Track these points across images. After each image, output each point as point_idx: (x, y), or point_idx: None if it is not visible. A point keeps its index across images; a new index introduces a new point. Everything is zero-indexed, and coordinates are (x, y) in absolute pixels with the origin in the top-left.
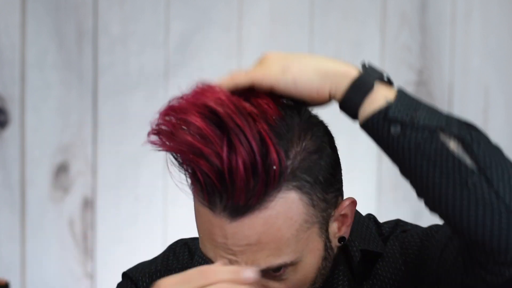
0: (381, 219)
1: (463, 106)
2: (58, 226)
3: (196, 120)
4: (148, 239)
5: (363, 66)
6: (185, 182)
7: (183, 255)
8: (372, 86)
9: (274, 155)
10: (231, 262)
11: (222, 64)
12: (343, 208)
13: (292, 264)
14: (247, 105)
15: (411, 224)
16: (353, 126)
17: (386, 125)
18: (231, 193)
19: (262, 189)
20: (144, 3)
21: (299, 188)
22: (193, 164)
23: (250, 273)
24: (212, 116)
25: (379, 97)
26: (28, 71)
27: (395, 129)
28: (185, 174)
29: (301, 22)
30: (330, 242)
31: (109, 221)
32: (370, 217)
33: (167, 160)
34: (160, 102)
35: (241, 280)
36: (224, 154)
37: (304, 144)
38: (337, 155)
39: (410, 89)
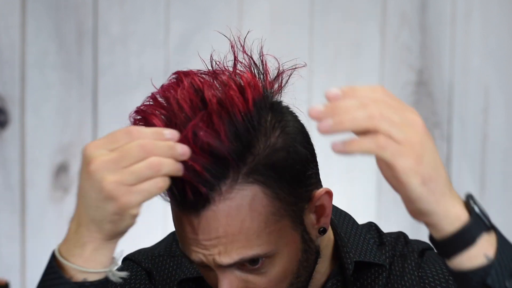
0: (381, 219)
1: (463, 106)
2: (58, 226)
3: (156, 121)
4: (148, 238)
5: (472, 210)
6: None
7: None
8: (475, 239)
9: (225, 150)
10: (205, 257)
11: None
12: (317, 199)
13: (268, 256)
14: (214, 100)
15: (416, 243)
16: None
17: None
18: (192, 189)
19: (216, 182)
20: (144, 3)
21: (262, 182)
22: None
23: (171, 131)
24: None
25: (479, 254)
26: (28, 71)
27: None
28: None
29: (301, 22)
30: (308, 234)
31: None
32: (372, 225)
33: None
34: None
35: (164, 138)
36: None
37: (271, 141)
38: (311, 152)
39: (410, 89)
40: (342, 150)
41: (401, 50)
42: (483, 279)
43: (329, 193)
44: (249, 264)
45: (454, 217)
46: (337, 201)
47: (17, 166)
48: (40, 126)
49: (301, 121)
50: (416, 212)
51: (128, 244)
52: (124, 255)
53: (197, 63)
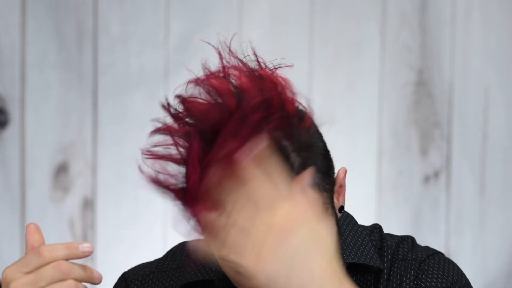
0: (381, 219)
1: (463, 106)
2: (58, 226)
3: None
4: (148, 239)
5: None
6: None
7: (180, 255)
8: None
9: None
10: None
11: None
12: (340, 181)
13: None
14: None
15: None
16: (353, 127)
17: None
18: None
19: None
20: (144, 3)
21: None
22: None
23: (87, 246)
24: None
25: None
26: (28, 71)
27: None
28: None
29: (301, 22)
30: (336, 215)
31: (109, 221)
32: (376, 227)
33: None
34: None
35: (78, 255)
36: None
37: (308, 141)
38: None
39: (410, 89)
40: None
41: (401, 50)
42: None
43: (345, 171)
44: None
45: None
46: None
47: (17, 166)
48: (40, 126)
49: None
50: None
51: (129, 245)
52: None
53: (197, 63)
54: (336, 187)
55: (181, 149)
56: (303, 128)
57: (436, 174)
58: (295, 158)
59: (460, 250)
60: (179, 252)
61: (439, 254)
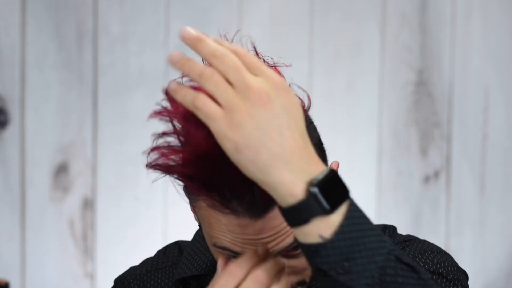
0: (381, 219)
1: (463, 106)
2: (58, 226)
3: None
4: (148, 239)
5: (309, 192)
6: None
7: (172, 252)
8: (307, 220)
9: None
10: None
11: None
12: None
13: None
14: None
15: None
16: (353, 127)
17: (314, 265)
18: (253, 195)
19: None
20: (144, 3)
21: None
22: (211, 173)
23: None
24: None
25: (313, 233)
26: (28, 71)
27: (318, 274)
28: (188, 185)
29: (301, 22)
30: None
31: (109, 221)
32: (389, 228)
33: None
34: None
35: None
36: None
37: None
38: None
39: (410, 89)
40: (172, 89)
41: (401, 50)
42: (312, 257)
43: (338, 164)
44: (292, 250)
45: (286, 193)
46: None
47: (17, 166)
48: (40, 126)
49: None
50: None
51: (129, 245)
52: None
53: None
54: None
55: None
56: None
57: (436, 174)
58: None
59: (460, 250)
60: (170, 249)
61: (419, 239)
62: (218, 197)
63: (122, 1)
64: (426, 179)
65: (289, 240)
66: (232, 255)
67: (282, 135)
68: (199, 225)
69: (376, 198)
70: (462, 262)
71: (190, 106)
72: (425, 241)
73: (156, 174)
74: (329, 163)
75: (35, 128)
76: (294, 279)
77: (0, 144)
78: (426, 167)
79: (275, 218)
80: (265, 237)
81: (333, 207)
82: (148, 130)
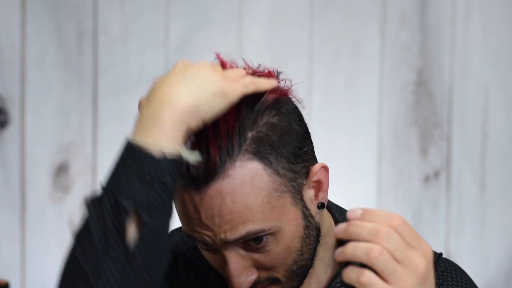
0: None
1: (463, 106)
2: (58, 226)
3: None
4: None
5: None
6: None
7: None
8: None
9: (223, 128)
10: (210, 238)
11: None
12: (314, 174)
13: (271, 233)
14: None
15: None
16: (353, 127)
17: None
18: (196, 167)
19: (216, 159)
20: (144, 3)
21: (261, 159)
22: None
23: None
24: None
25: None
26: (28, 71)
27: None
28: None
29: (301, 22)
30: (308, 210)
31: None
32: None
33: None
34: None
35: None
36: None
37: (267, 119)
38: (305, 129)
39: (410, 89)
40: (339, 257)
41: (401, 50)
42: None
43: (325, 168)
44: (254, 243)
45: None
46: (337, 202)
47: (17, 166)
48: (40, 126)
49: (295, 102)
50: None
51: None
52: None
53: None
54: (310, 180)
55: None
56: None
57: (436, 174)
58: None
59: (460, 250)
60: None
61: (445, 259)
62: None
63: (122, 1)
64: (426, 179)
65: (242, 230)
66: (205, 247)
67: None
68: None
69: (376, 198)
70: (462, 262)
71: (353, 282)
72: (453, 265)
73: None
74: (330, 163)
75: (35, 128)
76: (264, 274)
77: (0, 144)
78: (426, 167)
79: (218, 197)
80: (208, 218)
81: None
82: None
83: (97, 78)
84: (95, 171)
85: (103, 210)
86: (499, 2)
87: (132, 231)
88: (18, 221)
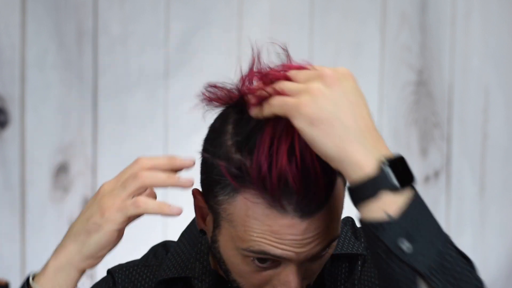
0: None
1: (463, 106)
2: (58, 226)
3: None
4: (148, 239)
5: (381, 169)
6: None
7: (161, 253)
8: (375, 194)
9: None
10: (297, 254)
11: (222, 64)
12: None
13: (335, 238)
14: None
15: None
16: None
17: (377, 242)
18: (305, 195)
19: (332, 186)
20: (144, 3)
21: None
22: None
23: (187, 181)
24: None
25: (379, 210)
26: (28, 71)
27: (381, 250)
28: (237, 177)
29: (301, 22)
30: None
31: None
32: (349, 219)
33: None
34: (160, 102)
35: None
36: (298, 157)
37: None
38: None
39: (410, 89)
40: (256, 114)
41: (401, 50)
42: (375, 233)
43: None
44: (323, 250)
45: (357, 167)
46: None
47: (17, 166)
48: (40, 126)
49: None
50: (322, 157)
51: (128, 245)
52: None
53: (197, 63)
54: None
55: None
56: None
57: (436, 174)
58: None
59: None
60: (159, 250)
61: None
62: (269, 194)
63: (122, 1)
64: (426, 179)
65: (325, 243)
66: (266, 259)
67: (353, 110)
68: (200, 230)
69: None
70: None
71: (267, 113)
72: None
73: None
74: None
75: (35, 128)
76: (305, 282)
77: (0, 144)
78: (426, 167)
79: (321, 219)
80: (308, 238)
81: (402, 186)
82: (148, 130)
83: (97, 78)
84: (95, 171)
85: None
86: (499, 2)
87: None
88: (18, 221)
